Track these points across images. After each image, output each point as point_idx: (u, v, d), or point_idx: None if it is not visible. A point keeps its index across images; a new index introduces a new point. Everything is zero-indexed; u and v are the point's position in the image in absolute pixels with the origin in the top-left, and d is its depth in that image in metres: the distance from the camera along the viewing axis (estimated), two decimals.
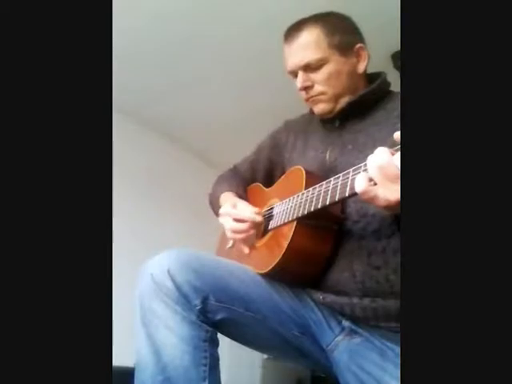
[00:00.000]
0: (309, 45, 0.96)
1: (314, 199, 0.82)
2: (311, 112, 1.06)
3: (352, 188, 0.71)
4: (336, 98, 0.97)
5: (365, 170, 0.69)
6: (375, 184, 0.66)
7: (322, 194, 0.80)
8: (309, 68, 0.96)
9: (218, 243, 1.21)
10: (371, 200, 0.67)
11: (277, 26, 1.10)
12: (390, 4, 1.40)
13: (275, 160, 1.14)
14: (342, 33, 0.98)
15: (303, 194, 0.87)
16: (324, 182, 0.81)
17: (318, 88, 0.97)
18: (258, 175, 1.18)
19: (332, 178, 0.79)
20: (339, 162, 0.92)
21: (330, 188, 0.78)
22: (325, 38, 0.96)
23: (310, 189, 0.85)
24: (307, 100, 0.99)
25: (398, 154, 0.64)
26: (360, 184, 0.67)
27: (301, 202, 0.86)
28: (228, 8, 2.04)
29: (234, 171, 1.24)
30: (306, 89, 0.97)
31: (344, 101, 0.97)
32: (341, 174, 0.76)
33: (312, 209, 0.82)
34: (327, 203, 0.78)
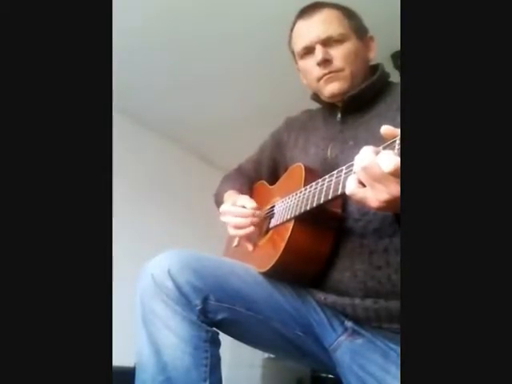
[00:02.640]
0: (332, 19, 0.96)
1: (310, 198, 0.82)
2: (314, 97, 1.04)
3: (344, 186, 0.70)
4: (352, 77, 0.95)
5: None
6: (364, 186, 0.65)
7: (318, 193, 0.80)
8: (329, 42, 0.94)
9: (226, 243, 1.22)
10: (362, 201, 0.66)
11: (278, 25, 1.10)
12: (390, 4, 1.40)
13: (278, 159, 1.14)
14: (358, 19, 1.00)
15: (301, 192, 0.87)
16: (320, 180, 0.81)
17: (337, 63, 0.94)
18: (262, 174, 1.18)
19: (327, 176, 0.78)
20: (340, 158, 0.92)
21: (325, 186, 0.78)
22: (344, 18, 0.97)
23: (308, 187, 0.85)
24: (322, 77, 0.95)
25: (384, 153, 0.62)
26: (350, 186, 0.66)
27: (298, 201, 0.86)
28: (228, 8, 2.04)
29: (239, 171, 1.25)
30: (325, 63, 0.94)
31: (358, 84, 0.95)
32: (335, 172, 0.76)
33: (308, 207, 0.81)
34: (321, 201, 0.78)
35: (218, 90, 2.61)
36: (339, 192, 0.72)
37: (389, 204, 0.63)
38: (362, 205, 0.67)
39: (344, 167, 0.73)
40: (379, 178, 0.62)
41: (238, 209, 0.97)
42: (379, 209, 0.65)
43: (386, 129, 0.63)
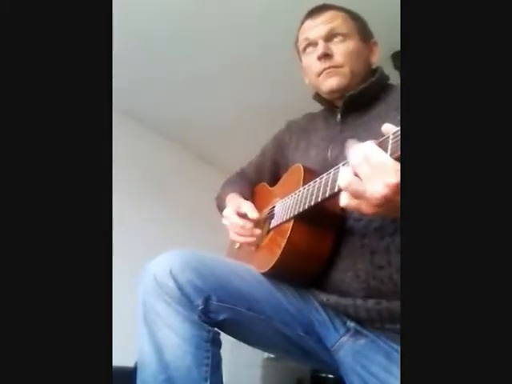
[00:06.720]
0: (337, 18, 0.99)
1: (308, 196, 0.82)
2: (315, 97, 1.05)
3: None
4: (352, 75, 0.96)
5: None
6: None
7: (315, 191, 0.79)
8: (331, 38, 0.97)
9: (229, 244, 1.22)
10: (358, 195, 0.62)
11: (278, 25, 1.10)
12: (390, 4, 1.40)
13: (279, 161, 1.15)
14: (363, 23, 1.03)
15: (300, 191, 0.87)
16: (318, 179, 0.80)
17: (337, 59, 0.96)
18: (263, 177, 1.19)
19: (324, 174, 0.78)
20: (340, 159, 0.91)
21: (322, 184, 0.77)
22: (350, 20, 1.00)
23: (306, 186, 0.85)
24: (322, 72, 0.97)
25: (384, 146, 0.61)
26: (344, 176, 0.63)
27: (297, 200, 0.86)
28: (229, 8, 2.04)
29: (241, 174, 1.26)
30: (326, 57, 0.96)
31: (357, 84, 0.96)
32: (332, 169, 0.75)
33: (306, 206, 0.81)
34: (319, 200, 0.77)
35: (218, 90, 2.61)
36: (336, 189, 0.71)
37: (386, 203, 0.60)
38: (356, 207, 0.63)
39: (341, 164, 0.72)
40: (380, 165, 0.59)
41: (239, 222, 0.98)
42: (375, 212, 0.62)
43: (387, 127, 0.63)
